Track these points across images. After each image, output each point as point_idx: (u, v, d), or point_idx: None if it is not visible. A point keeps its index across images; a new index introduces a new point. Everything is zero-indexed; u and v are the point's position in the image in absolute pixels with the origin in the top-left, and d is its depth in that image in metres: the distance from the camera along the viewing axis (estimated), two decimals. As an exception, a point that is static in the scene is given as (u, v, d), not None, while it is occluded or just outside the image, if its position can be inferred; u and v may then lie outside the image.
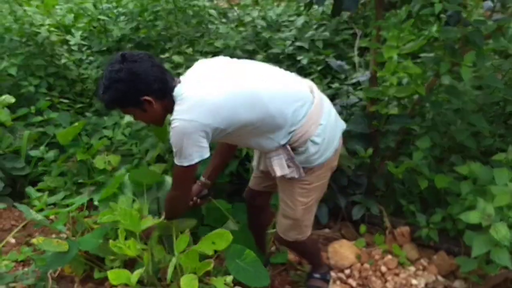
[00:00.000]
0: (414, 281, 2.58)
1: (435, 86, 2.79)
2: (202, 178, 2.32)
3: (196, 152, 1.83)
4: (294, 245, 2.27)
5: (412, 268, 2.69)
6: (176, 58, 3.10)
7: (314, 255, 2.46)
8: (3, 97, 3.44)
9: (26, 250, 2.49)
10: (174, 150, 1.85)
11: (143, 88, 1.84)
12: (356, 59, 3.32)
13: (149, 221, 2.04)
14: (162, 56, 3.26)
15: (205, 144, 1.84)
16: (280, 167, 1.96)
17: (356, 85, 3.21)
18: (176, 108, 1.84)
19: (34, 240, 2.18)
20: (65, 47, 4.16)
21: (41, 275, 2.26)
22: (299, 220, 2.13)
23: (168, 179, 2.60)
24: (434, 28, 2.83)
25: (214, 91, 1.83)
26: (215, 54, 3.68)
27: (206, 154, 1.86)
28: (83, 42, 4.15)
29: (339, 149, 2.12)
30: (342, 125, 2.13)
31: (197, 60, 2.07)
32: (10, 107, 3.47)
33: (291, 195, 2.08)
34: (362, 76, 2.86)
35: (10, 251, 2.59)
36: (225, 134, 1.89)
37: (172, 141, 1.83)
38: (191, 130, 1.78)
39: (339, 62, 2.99)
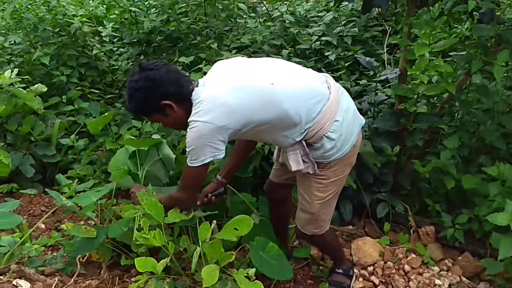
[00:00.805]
0: (437, 281, 2.55)
1: (466, 85, 2.75)
2: (218, 177, 2.34)
3: (209, 152, 1.87)
4: (313, 239, 2.29)
5: (436, 268, 2.67)
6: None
7: (335, 250, 2.46)
8: (36, 86, 3.52)
9: (55, 235, 2.56)
10: (187, 149, 1.90)
11: (161, 92, 1.91)
12: (385, 56, 3.29)
13: (176, 215, 2.07)
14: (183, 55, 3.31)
15: (221, 145, 1.88)
16: (295, 162, 1.99)
17: (384, 82, 3.19)
18: (194, 110, 1.89)
19: (63, 226, 2.24)
20: (97, 38, 4.24)
21: (69, 260, 2.32)
22: (316, 215, 2.15)
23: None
24: (467, 26, 2.79)
25: (230, 93, 1.87)
26: (242, 49, 3.71)
27: (221, 155, 1.90)
28: (114, 34, 4.22)
29: (358, 145, 2.12)
30: (360, 121, 2.12)
31: (222, 56, 2.11)
32: (42, 96, 3.56)
33: (308, 190, 2.10)
34: (391, 73, 2.84)
35: (40, 236, 2.67)
36: (242, 134, 1.93)
37: (188, 141, 1.89)
38: (208, 132, 1.84)
39: (368, 58, 2.97)
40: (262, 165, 2.95)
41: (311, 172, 2.01)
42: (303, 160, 1.98)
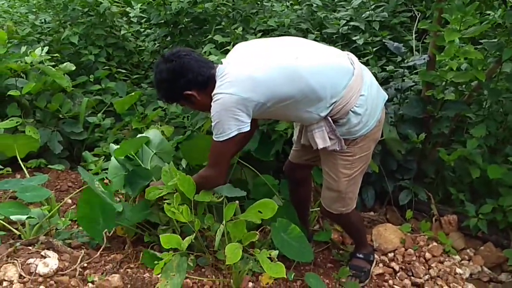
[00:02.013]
0: (458, 270, 2.55)
1: (495, 74, 2.70)
2: None
3: (234, 125, 1.87)
4: (339, 218, 2.30)
5: (457, 257, 2.66)
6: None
7: (359, 231, 2.46)
8: (65, 64, 3.58)
9: (82, 209, 2.62)
10: (213, 124, 1.91)
11: (182, 84, 1.96)
12: (413, 43, 3.24)
13: (207, 196, 2.10)
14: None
15: (245, 118, 1.88)
16: (322, 140, 1.99)
17: (412, 68, 3.15)
18: (218, 84, 1.92)
19: (90, 201, 2.29)
20: (125, 18, 4.28)
21: (95, 234, 2.38)
22: (343, 192, 2.15)
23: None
24: (499, 13, 2.72)
25: (254, 67, 1.90)
26: (268, 32, 3.69)
27: (246, 128, 1.90)
28: (141, 15, 4.25)
29: (382, 120, 2.12)
30: (384, 96, 2.13)
31: (247, 39, 2.12)
32: (70, 75, 3.61)
33: (334, 167, 2.10)
34: (419, 59, 2.80)
35: (67, 211, 2.75)
36: (266, 108, 1.93)
37: (212, 115, 1.90)
38: (231, 104, 1.85)
39: (396, 44, 2.93)
40: (285, 149, 2.96)
41: (338, 149, 2.01)
42: (329, 137, 1.98)
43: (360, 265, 2.41)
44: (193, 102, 2.03)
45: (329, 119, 1.97)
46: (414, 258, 2.61)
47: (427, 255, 2.63)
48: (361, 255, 2.44)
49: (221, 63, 2.02)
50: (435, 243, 2.70)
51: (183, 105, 2.15)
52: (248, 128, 1.91)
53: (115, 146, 2.53)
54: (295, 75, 1.89)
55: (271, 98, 1.89)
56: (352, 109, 1.95)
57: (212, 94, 1.91)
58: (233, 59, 2.00)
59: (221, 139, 1.90)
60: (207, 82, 1.97)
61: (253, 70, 1.89)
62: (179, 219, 1.98)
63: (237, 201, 2.09)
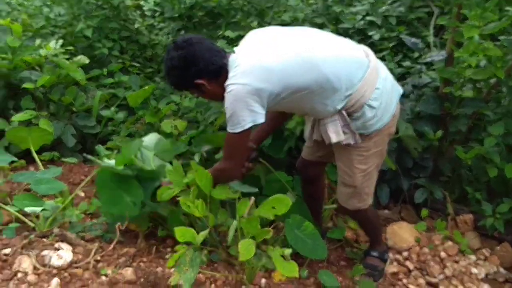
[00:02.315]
0: (474, 270, 2.51)
1: (515, 71, 2.64)
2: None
3: (248, 116, 1.83)
4: (356, 214, 2.27)
5: (473, 257, 2.62)
6: (231, 34, 3.17)
7: (375, 228, 2.43)
8: (78, 57, 3.59)
9: (96, 202, 2.62)
10: (227, 116, 1.88)
11: (193, 72, 1.92)
12: (431, 38, 3.19)
13: (223, 191, 2.08)
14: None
15: (259, 109, 1.84)
16: (335, 134, 1.96)
17: (429, 65, 3.10)
18: (231, 74, 1.88)
19: (103, 193, 2.28)
20: (138, 12, 4.27)
21: (108, 228, 2.37)
22: (358, 188, 2.12)
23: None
24: (520, 9, 2.66)
25: (268, 56, 1.85)
26: (283, 26, 3.66)
27: (260, 119, 1.86)
28: (155, 8, 4.25)
29: (397, 115, 2.09)
30: (399, 90, 2.09)
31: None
32: (84, 68, 3.62)
33: (349, 163, 2.07)
34: (436, 55, 2.75)
35: (79, 204, 2.75)
36: (280, 99, 1.89)
37: (226, 107, 1.86)
38: (245, 94, 1.81)
39: (413, 39, 2.88)
40: (298, 145, 2.93)
41: (351, 143, 1.98)
42: (343, 131, 1.95)
43: (375, 264, 2.38)
44: (203, 91, 2.00)
45: (343, 112, 1.94)
46: (429, 257, 2.57)
47: (442, 254, 2.59)
48: (375, 254, 2.41)
49: (234, 51, 1.98)
50: (450, 243, 2.66)
51: (193, 93, 2.11)
52: (263, 120, 1.87)
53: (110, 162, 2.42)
54: (310, 65, 1.85)
55: (286, 89, 1.86)
56: (367, 103, 1.92)
57: (225, 84, 1.87)
58: (246, 48, 1.96)
59: (236, 131, 1.86)
60: (219, 72, 1.93)
61: (267, 60, 1.85)
62: (194, 213, 1.97)
63: (253, 197, 2.06)
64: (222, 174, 2.06)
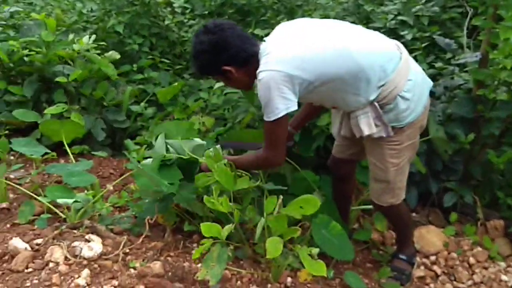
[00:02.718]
0: (504, 277, 2.45)
1: (553, 74, 2.57)
2: (288, 127, 2.24)
3: (282, 104, 1.82)
4: (389, 211, 2.23)
5: (503, 264, 2.56)
6: (260, 32, 3.17)
7: (407, 227, 2.40)
8: (110, 52, 3.65)
9: (125, 195, 2.66)
10: (262, 104, 1.87)
11: (223, 58, 1.92)
12: (465, 39, 3.13)
13: (244, 182, 2.09)
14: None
15: (292, 97, 1.84)
16: (367, 126, 1.94)
17: (461, 66, 3.04)
18: (263, 61, 1.88)
19: (132, 187, 2.32)
20: (169, 9, 4.31)
21: (136, 221, 2.41)
22: (392, 183, 2.09)
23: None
24: (560, 10, 2.59)
25: (300, 45, 1.85)
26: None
27: (293, 107, 1.85)
28: (185, 5, 4.28)
29: (428, 107, 2.07)
30: (429, 83, 2.09)
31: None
32: (114, 63, 3.67)
33: (381, 158, 2.05)
34: (470, 56, 2.69)
35: (109, 197, 2.79)
36: (313, 89, 1.88)
37: (259, 95, 1.86)
38: (278, 81, 1.80)
39: (447, 40, 2.83)
40: (327, 145, 2.91)
41: (384, 136, 1.96)
42: (375, 124, 1.93)
43: (402, 267, 2.34)
44: (229, 78, 1.99)
45: (376, 104, 1.92)
46: (457, 262, 2.53)
47: (471, 260, 2.54)
48: (403, 257, 2.37)
49: (264, 41, 1.98)
50: (479, 248, 2.61)
51: (217, 79, 2.10)
52: (296, 107, 1.86)
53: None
54: (344, 55, 1.85)
55: (318, 77, 1.84)
56: (400, 94, 1.90)
57: (257, 72, 1.87)
58: (277, 38, 1.95)
59: (272, 119, 1.86)
60: (249, 60, 1.93)
61: (300, 48, 1.84)
62: (219, 209, 1.98)
63: (280, 196, 2.06)
64: (264, 162, 2.06)
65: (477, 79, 2.64)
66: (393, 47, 1.98)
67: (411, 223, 2.46)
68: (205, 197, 2.00)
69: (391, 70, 1.90)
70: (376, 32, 2.05)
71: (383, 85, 1.89)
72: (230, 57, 1.92)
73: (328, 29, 1.94)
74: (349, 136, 2.12)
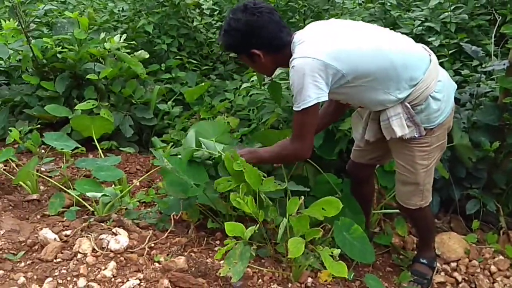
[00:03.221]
0: (525, 287, 2.44)
1: None
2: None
3: (314, 93, 1.82)
4: (416, 213, 2.23)
5: (525, 274, 2.54)
6: None
7: (430, 231, 2.41)
8: (139, 52, 3.72)
9: (152, 193, 2.73)
10: (294, 93, 1.87)
11: (255, 42, 1.92)
12: (492, 47, 3.11)
13: (271, 183, 2.13)
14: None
15: (324, 87, 1.84)
16: (400, 127, 1.94)
17: (488, 74, 3.02)
18: (297, 49, 1.89)
19: (160, 184, 2.39)
20: (197, 10, 4.38)
21: (162, 217, 2.47)
22: (421, 185, 2.11)
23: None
24: None
25: (338, 37, 1.88)
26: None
27: (324, 97, 1.85)
28: (214, 7, 4.34)
29: (454, 109, 2.10)
30: (454, 86, 2.12)
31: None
32: (143, 62, 3.74)
33: (411, 160, 2.06)
34: (498, 64, 2.68)
35: (136, 192, 2.87)
36: (344, 83, 1.88)
37: (292, 83, 1.86)
38: (313, 68, 1.80)
39: (474, 47, 2.82)
40: (349, 148, 2.93)
41: (416, 136, 1.97)
42: (407, 125, 1.95)
43: (423, 272, 2.36)
44: (255, 61, 2.00)
45: (407, 104, 1.93)
46: (479, 270, 2.52)
47: (493, 268, 2.53)
48: (424, 261, 2.38)
49: (297, 32, 2.00)
50: (501, 257, 2.60)
51: (241, 58, 2.08)
52: (327, 98, 1.87)
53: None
54: (378, 52, 1.87)
55: (353, 71, 1.85)
56: (431, 94, 1.92)
57: (291, 59, 1.87)
58: (311, 31, 1.96)
59: (301, 107, 1.86)
60: (280, 48, 1.94)
61: (336, 40, 1.86)
62: (244, 209, 2.02)
63: (302, 197, 2.10)
64: (291, 154, 2.06)
65: (504, 87, 2.63)
66: (423, 50, 2.02)
67: (433, 226, 2.47)
68: (231, 194, 2.05)
69: (422, 71, 1.92)
70: (405, 36, 2.07)
71: (415, 85, 1.91)
72: (262, 42, 1.92)
73: (361, 27, 1.99)
74: (373, 140, 2.13)
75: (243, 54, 2.02)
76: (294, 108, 1.90)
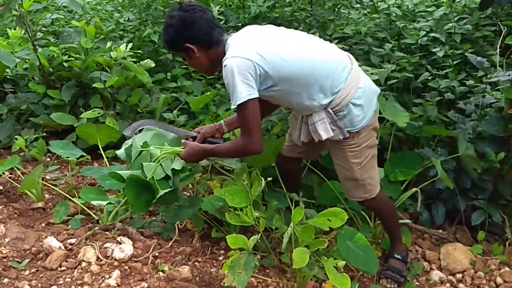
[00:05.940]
0: (532, 299, 2.42)
1: None
2: (223, 122, 2.40)
3: (245, 90, 1.91)
4: (369, 204, 2.33)
5: (531, 286, 2.52)
6: None
7: (393, 221, 2.46)
8: (145, 61, 3.74)
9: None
10: (229, 92, 1.96)
11: (187, 36, 2.03)
12: (497, 58, 3.11)
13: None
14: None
15: (254, 85, 1.93)
16: (324, 131, 2.07)
17: (493, 85, 3.02)
18: (230, 50, 1.98)
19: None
20: (203, 20, 4.39)
21: (166, 226, 2.47)
22: (360, 179, 2.21)
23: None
24: None
25: (267, 41, 2.00)
26: (344, 39, 3.68)
27: (254, 94, 1.93)
28: (219, 17, 4.36)
29: (378, 110, 2.22)
30: (376, 89, 2.20)
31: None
32: (149, 71, 3.77)
33: (344, 159, 2.19)
34: (503, 75, 2.68)
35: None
36: (271, 86, 1.99)
37: (226, 83, 1.96)
38: (242, 66, 1.90)
39: (479, 58, 2.82)
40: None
41: (341, 137, 2.09)
42: (331, 128, 2.06)
43: (399, 268, 2.40)
44: (191, 57, 2.10)
45: (330, 110, 2.04)
46: (484, 281, 2.50)
47: (498, 279, 2.51)
48: (399, 256, 2.43)
49: (231, 35, 2.09)
50: (507, 268, 2.57)
51: (182, 56, 2.19)
52: (257, 95, 1.94)
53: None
54: (300, 58, 1.98)
55: (277, 75, 1.95)
56: (352, 101, 2.04)
57: (223, 59, 1.96)
58: (244, 34, 2.08)
59: (236, 104, 1.93)
60: (212, 44, 2.05)
61: (265, 43, 1.98)
62: (245, 220, 2.03)
63: (303, 205, 2.10)
64: (242, 149, 2.08)
65: (509, 97, 2.62)
66: (346, 58, 2.11)
67: (397, 218, 2.51)
68: (226, 214, 2.06)
69: (343, 79, 2.03)
70: (332, 44, 2.18)
71: (336, 93, 2.03)
72: (193, 36, 2.02)
73: (291, 35, 2.10)
74: (307, 142, 2.24)
75: (179, 50, 2.12)
76: (232, 106, 1.99)
